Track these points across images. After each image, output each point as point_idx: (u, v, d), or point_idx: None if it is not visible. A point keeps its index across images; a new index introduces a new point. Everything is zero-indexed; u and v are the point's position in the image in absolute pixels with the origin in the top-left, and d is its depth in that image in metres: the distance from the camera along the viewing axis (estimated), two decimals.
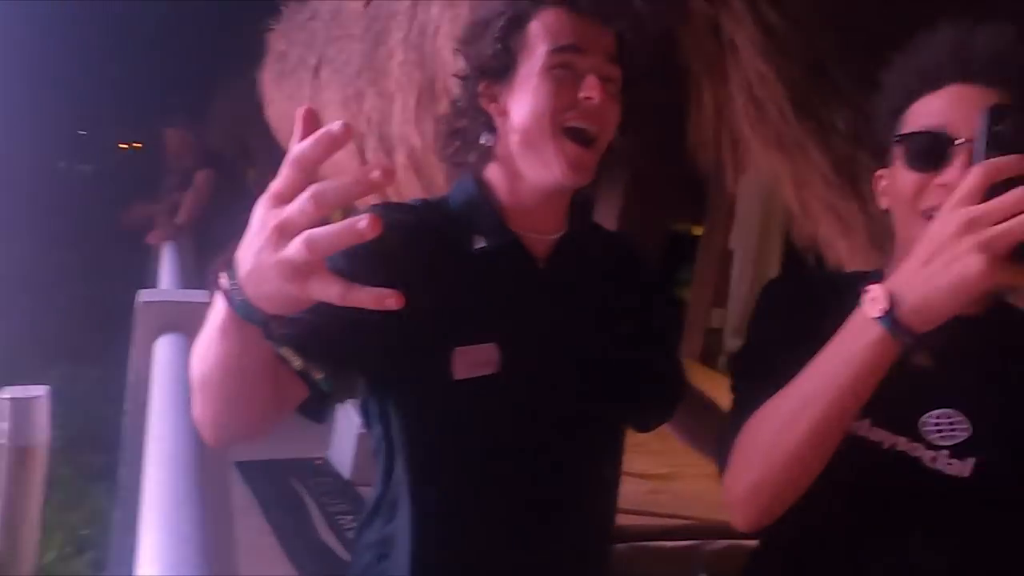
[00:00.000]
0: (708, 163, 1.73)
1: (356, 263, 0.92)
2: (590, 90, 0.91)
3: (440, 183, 2.08)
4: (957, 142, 0.82)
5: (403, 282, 0.92)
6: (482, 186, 1.02)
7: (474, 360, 0.95)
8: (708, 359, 3.99)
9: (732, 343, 4.07)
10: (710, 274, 4.00)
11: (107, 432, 3.08)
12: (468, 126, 1.01)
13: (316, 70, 2.69)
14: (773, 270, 4.00)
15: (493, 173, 1.02)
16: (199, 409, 0.80)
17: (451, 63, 1.86)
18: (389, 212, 0.98)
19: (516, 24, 0.95)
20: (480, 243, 0.99)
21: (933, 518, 0.86)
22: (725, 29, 1.56)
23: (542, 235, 1.02)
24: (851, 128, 1.58)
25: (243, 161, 5.37)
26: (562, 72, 0.92)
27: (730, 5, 1.54)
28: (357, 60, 2.39)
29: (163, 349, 2.48)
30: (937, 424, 0.86)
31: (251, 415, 0.80)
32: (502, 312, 0.98)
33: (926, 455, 0.86)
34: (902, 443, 0.87)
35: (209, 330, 0.72)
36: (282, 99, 3.52)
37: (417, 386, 0.97)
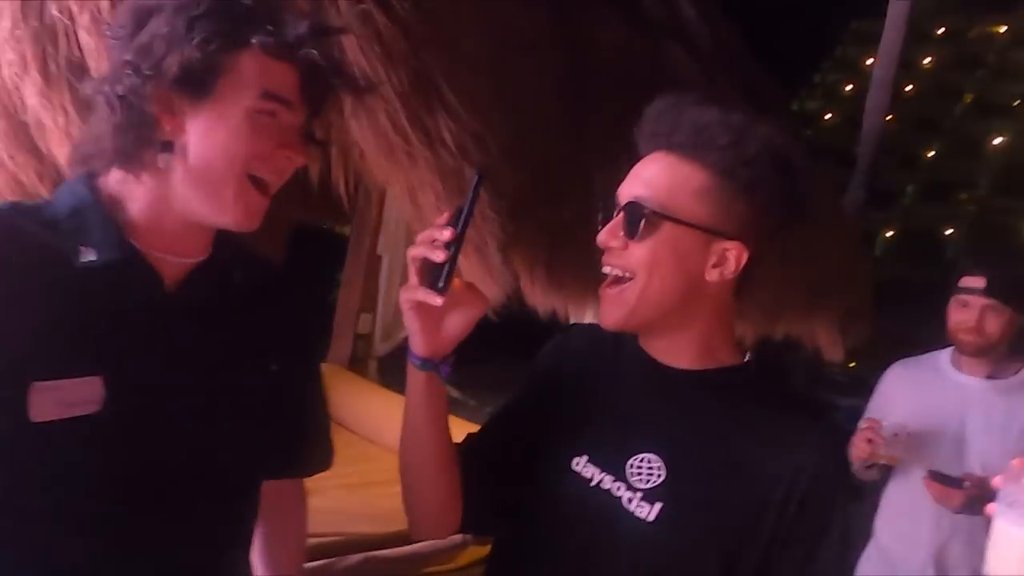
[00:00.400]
0: (323, 168, 1.65)
1: None
2: (294, 152, 0.87)
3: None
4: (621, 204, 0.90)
5: None
6: (98, 192, 0.87)
7: (65, 397, 0.79)
8: (356, 365, 3.95)
9: (381, 348, 4.08)
10: (358, 278, 3.97)
11: None
12: (122, 126, 0.84)
13: None
14: None
15: (128, 181, 0.87)
16: None
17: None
18: None
19: (231, 44, 0.83)
20: (89, 256, 0.83)
21: (621, 556, 0.89)
22: None
23: (177, 258, 0.89)
24: (459, 142, 1.62)
25: None
26: (266, 119, 0.85)
27: (338, 6, 1.47)
28: None
29: None
30: (639, 467, 0.90)
31: None
32: (113, 341, 0.83)
33: (625, 495, 0.89)
34: (607, 481, 0.91)
35: None
36: None
37: None
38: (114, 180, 0.87)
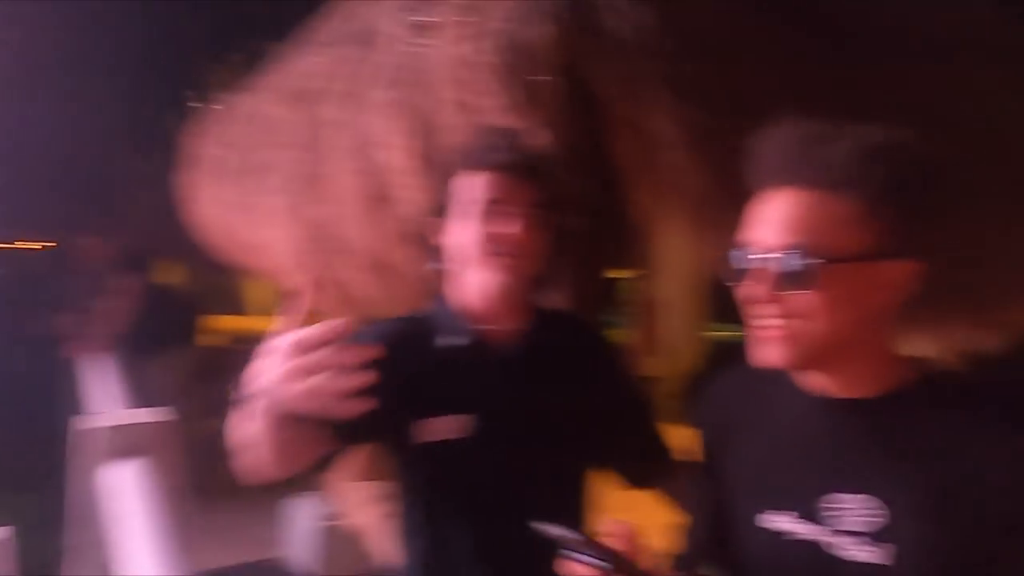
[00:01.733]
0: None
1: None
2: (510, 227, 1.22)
3: (403, 287, 2.16)
4: (750, 257, 0.87)
5: (387, 376, 0.98)
6: (445, 297, 1.31)
7: (438, 427, 1.22)
8: None
9: None
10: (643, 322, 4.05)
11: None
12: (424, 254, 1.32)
13: (256, 175, 2.63)
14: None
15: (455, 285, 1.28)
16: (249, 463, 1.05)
17: (401, 170, 2.00)
18: (386, 325, 1.30)
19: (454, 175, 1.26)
20: (445, 340, 1.27)
21: None
22: (646, 126, 1.68)
23: (502, 326, 1.28)
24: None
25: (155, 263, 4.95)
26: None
27: (657, 106, 1.65)
28: (300, 167, 2.41)
29: (119, 476, 2.30)
30: (851, 509, 0.86)
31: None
32: (468, 390, 1.25)
33: (837, 541, 0.86)
34: (813, 531, 0.88)
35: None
36: (216, 202, 3.36)
37: (405, 449, 1.25)
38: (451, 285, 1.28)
